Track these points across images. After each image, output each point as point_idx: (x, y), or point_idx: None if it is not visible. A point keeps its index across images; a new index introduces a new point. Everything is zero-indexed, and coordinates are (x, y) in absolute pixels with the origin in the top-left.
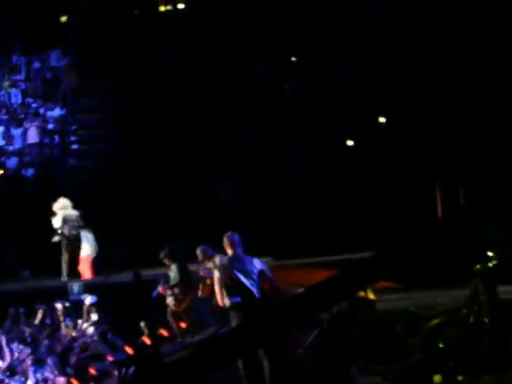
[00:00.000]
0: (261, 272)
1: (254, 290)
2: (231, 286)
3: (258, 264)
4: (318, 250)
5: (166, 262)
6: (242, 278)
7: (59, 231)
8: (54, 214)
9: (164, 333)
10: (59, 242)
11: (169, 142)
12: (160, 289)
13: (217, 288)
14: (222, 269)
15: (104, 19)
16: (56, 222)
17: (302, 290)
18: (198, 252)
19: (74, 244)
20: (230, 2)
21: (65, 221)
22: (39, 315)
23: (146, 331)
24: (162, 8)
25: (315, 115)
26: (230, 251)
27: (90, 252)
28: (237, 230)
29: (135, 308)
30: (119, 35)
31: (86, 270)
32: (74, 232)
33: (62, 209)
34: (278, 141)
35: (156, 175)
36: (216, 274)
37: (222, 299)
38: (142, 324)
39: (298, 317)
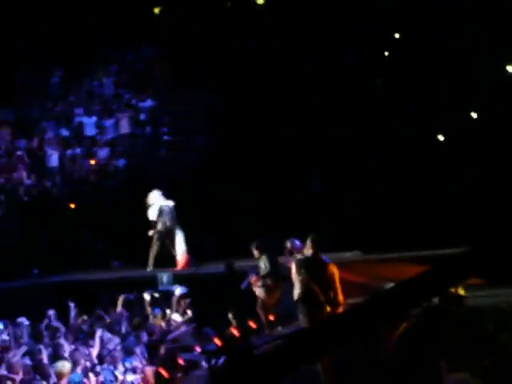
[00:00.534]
0: (330, 275)
1: (319, 290)
2: (302, 281)
3: (330, 267)
4: (408, 244)
5: (256, 253)
6: (311, 277)
7: (154, 223)
8: (149, 205)
9: (252, 325)
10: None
11: (258, 133)
12: (250, 280)
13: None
14: (299, 264)
15: (196, 11)
16: (152, 214)
17: (391, 284)
18: (287, 244)
19: (167, 237)
20: None
21: (160, 212)
22: (128, 305)
23: (234, 322)
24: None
25: (405, 110)
26: (309, 251)
27: (185, 247)
28: (325, 223)
29: (225, 299)
30: (211, 27)
31: (181, 264)
32: (168, 224)
33: (158, 200)
34: (367, 136)
35: (247, 166)
36: (293, 268)
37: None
38: (231, 315)
39: (388, 312)
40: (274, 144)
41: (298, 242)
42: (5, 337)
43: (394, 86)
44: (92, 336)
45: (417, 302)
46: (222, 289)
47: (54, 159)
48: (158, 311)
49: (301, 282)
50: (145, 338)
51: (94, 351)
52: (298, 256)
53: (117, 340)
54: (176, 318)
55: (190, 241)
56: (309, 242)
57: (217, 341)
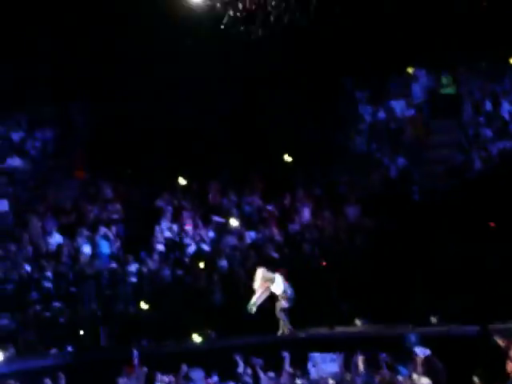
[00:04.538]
0: None
1: None
2: None
3: None
4: None
5: None
6: None
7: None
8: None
9: None
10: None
11: None
12: (501, 341)
13: None
14: None
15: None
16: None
17: None
18: None
19: None
20: None
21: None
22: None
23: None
24: None
25: None
26: None
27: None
28: None
29: (473, 361)
30: None
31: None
32: None
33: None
34: None
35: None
36: None
37: None
38: (476, 379)
39: None
40: None
41: None
42: None
43: None
44: None
45: None
46: (471, 351)
47: (305, 216)
48: (404, 371)
49: None
50: None
51: None
52: None
53: None
54: (419, 379)
55: None
56: None
57: None
